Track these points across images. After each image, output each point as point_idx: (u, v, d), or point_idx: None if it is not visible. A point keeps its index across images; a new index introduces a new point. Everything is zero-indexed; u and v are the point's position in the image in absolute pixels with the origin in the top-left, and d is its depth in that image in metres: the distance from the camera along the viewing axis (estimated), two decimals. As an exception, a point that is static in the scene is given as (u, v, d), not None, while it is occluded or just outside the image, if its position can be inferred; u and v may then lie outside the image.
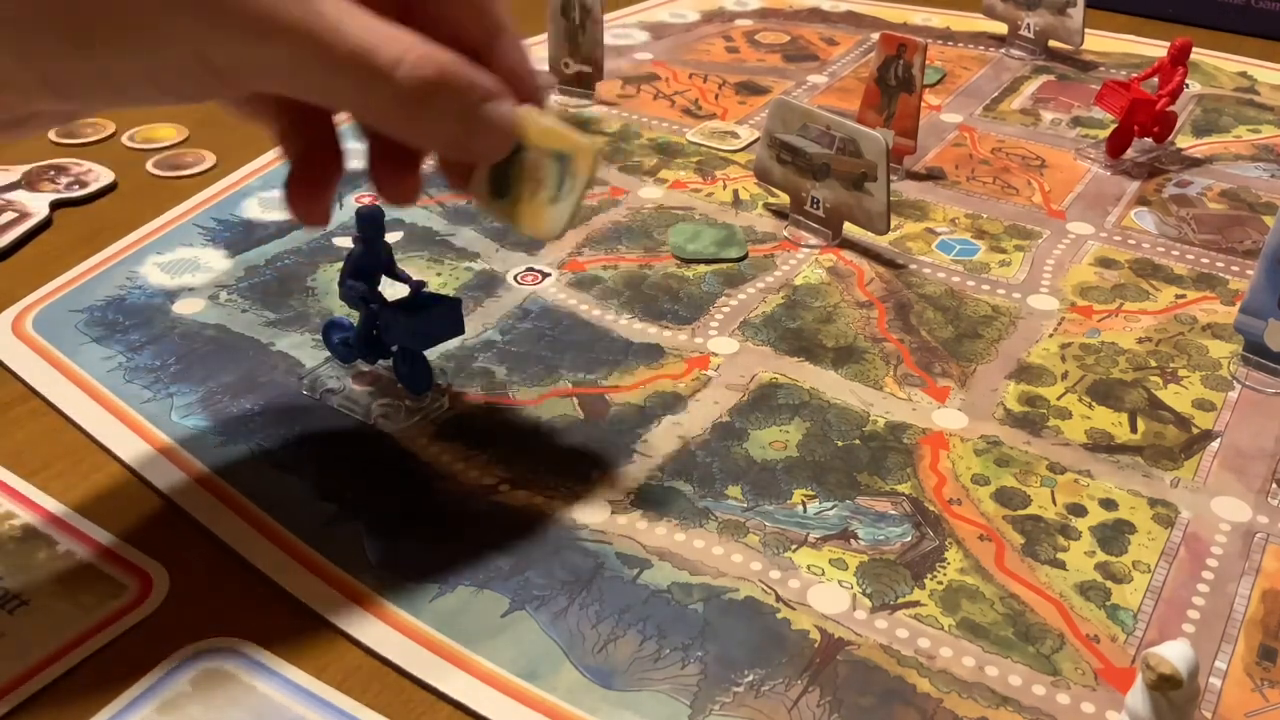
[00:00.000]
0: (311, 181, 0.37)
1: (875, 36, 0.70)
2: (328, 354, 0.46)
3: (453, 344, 0.46)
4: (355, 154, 0.37)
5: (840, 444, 0.42)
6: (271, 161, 0.63)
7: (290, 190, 0.36)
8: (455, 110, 0.32)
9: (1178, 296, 0.51)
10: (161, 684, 0.33)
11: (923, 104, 0.60)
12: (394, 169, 0.36)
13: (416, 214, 0.57)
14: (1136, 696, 0.28)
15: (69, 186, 0.60)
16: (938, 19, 0.84)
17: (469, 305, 0.50)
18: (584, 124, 0.67)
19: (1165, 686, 0.27)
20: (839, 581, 0.36)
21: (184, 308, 0.50)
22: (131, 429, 0.43)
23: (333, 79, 0.30)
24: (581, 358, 0.47)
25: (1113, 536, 0.38)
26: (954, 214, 0.58)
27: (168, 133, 0.67)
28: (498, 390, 0.45)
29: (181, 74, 0.29)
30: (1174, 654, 0.27)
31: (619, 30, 0.81)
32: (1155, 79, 0.62)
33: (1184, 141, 0.66)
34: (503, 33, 0.35)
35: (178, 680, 0.33)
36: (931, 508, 0.39)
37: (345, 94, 0.31)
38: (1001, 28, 0.79)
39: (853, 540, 0.38)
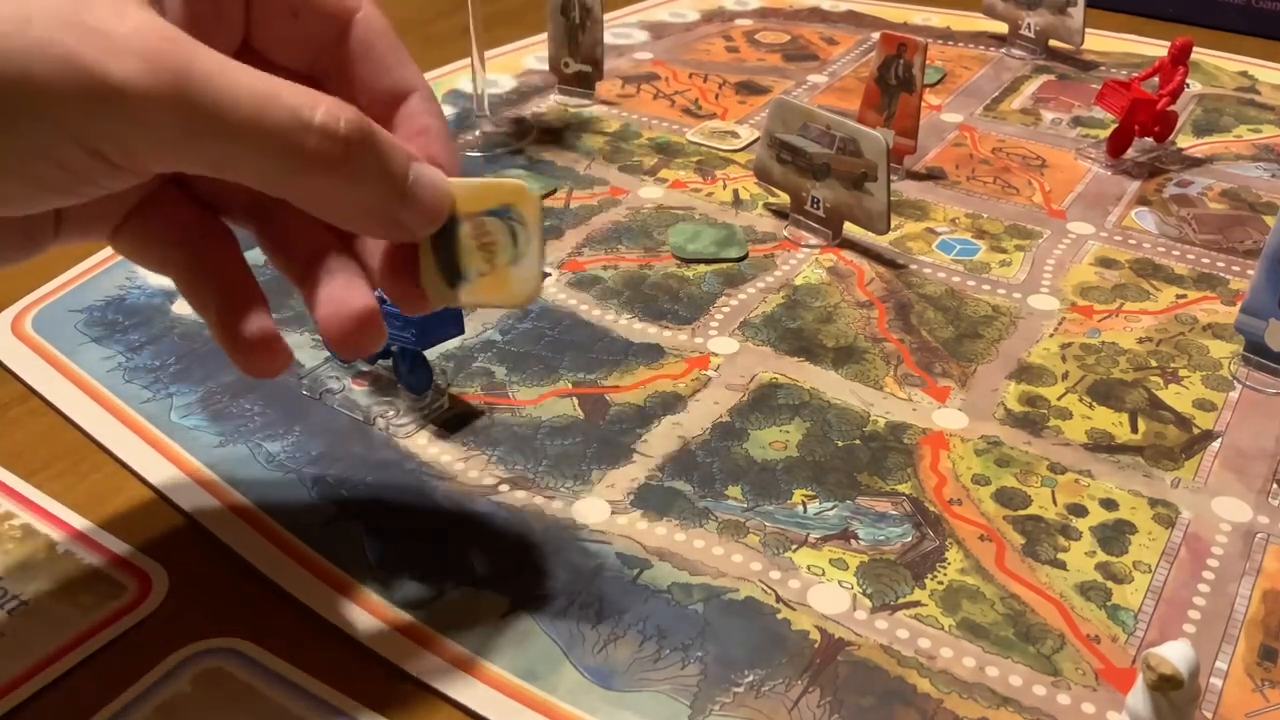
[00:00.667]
0: (246, 325, 0.31)
1: (875, 36, 0.70)
2: (327, 354, 0.46)
3: (453, 344, 0.46)
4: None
5: (840, 444, 0.42)
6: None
7: (234, 345, 0.31)
8: (382, 173, 0.28)
9: (1178, 296, 0.51)
10: (161, 684, 0.33)
11: (923, 104, 0.59)
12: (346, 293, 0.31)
13: (416, 214, 0.57)
14: (1137, 697, 0.28)
15: (69, 186, 0.60)
16: (938, 18, 0.84)
17: (469, 305, 0.50)
18: (584, 123, 0.67)
19: (1166, 687, 0.27)
20: (839, 582, 0.36)
21: (183, 308, 0.50)
22: (131, 429, 0.43)
23: (232, 141, 0.26)
24: (581, 358, 0.47)
25: (1113, 537, 0.38)
26: (954, 214, 0.58)
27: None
28: (498, 390, 0.45)
29: (62, 164, 0.25)
30: (1175, 654, 0.27)
31: (619, 30, 0.81)
32: (1156, 79, 0.62)
33: (1184, 141, 0.66)
34: (414, 91, 0.32)
35: (178, 680, 0.33)
36: (932, 508, 0.39)
37: (251, 161, 0.26)
38: (1002, 27, 0.79)
39: (853, 540, 0.38)
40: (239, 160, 0.26)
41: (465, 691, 0.33)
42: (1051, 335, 0.49)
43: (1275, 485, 0.41)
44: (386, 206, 0.28)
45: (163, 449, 0.42)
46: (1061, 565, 0.37)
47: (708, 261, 0.54)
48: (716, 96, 0.71)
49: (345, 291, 0.30)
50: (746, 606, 0.35)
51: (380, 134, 0.28)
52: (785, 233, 0.56)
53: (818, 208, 0.55)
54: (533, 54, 0.77)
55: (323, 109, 0.26)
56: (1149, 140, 0.64)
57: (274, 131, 0.26)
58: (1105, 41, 0.79)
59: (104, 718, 0.32)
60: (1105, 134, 0.64)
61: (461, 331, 0.43)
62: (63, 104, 0.24)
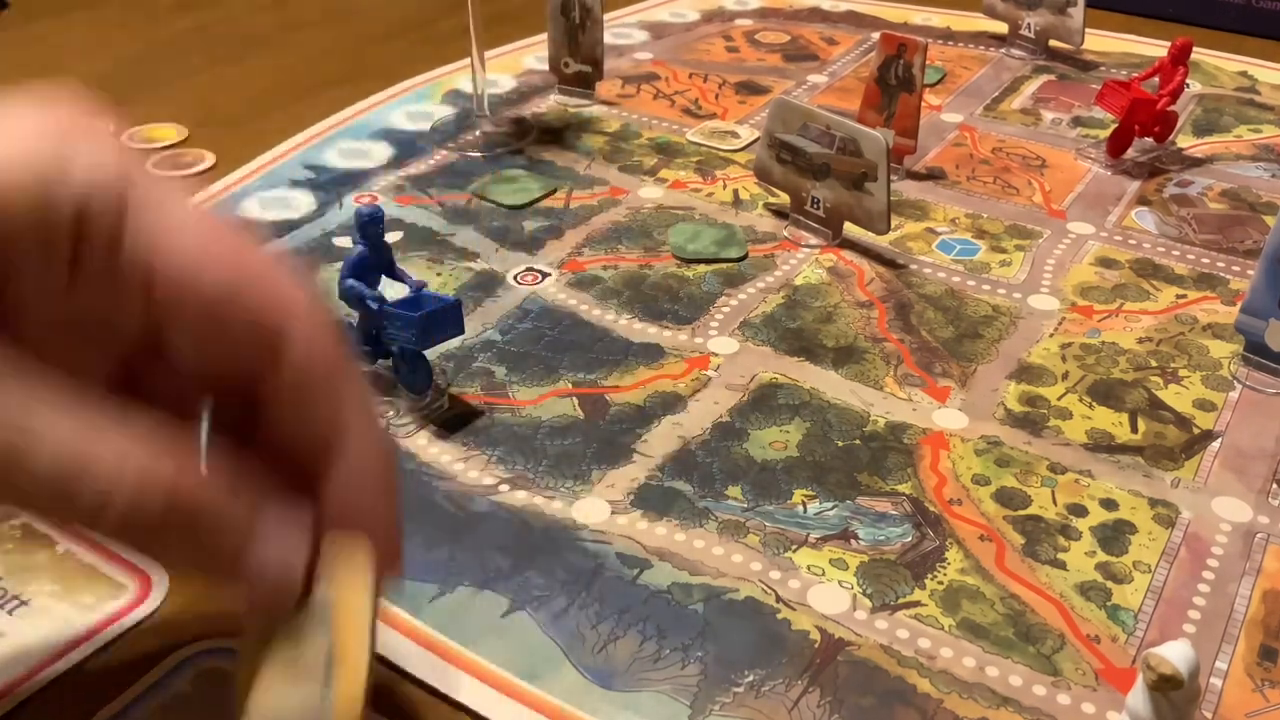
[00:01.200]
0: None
1: (875, 36, 0.70)
2: (328, 354, 0.46)
3: (453, 344, 0.46)
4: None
5: (840, 444, 0.42)
6: (271, 161, 0.63)
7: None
8: (200, 548, 0.24)
9: (1178, 296, 0.51)
10: (162, 684, 0.33)
11: (923, 104, 0.59)
12: None
13: (416, 214, 0.57)
14: (1137, 697, 0.28)
15: (69, 186, 0.60)
16: (938, 18, 0.84)
17: (469, 305, 0.50)
18: (584, 123, 0.67)
19: (1166, 687, 0.27)
20: (839, 582, 0.36)
21: (184, 308, 0.50)
22: (131, 429, 0.43)
23: (29, 501, 0.23)
24: (581, 358, 0.47)
25: (1113, 537, 0.38)
26: (954, 214, 0.58)
27: (167, 133, 0.67)
28: (498, 390, 0.45)
29: None
30: (1175, 654, 0.27)
31: (619, 30, 0.81)
32: (1156, 79, 0.62)
33: (1184, 141, 0.66)
34: (342, 438, 0.26)
35: (178, 680, 0.33)
36: (932, 508, 0.39)
37: (54, 515, 0.23)
38: (1002, 27, 0.79)
39: (853, 540, 0.38)
40: (41, 513, 0.23)
41: (465, 691, 0.33)
42: (1051, 335, 0.49)
43: (1275, 485, 0.41)
44: (212, 575, 0.25)
45: (163, 449, 0.42)
46: (1061, 565, 0.37)
47: (708, 261, 0.54)
48: (716, 96, 0.71)
49: None
50: (746, 606, 0.35)
51: (206, 510, 0.23)
52: (785, 233, 0.56)
53: (818, 208, 0.55)
54: (533, 54, 0.77)
55: (132, 481, 0.22)
56: (1149, 140, 0.64)
57: (78, 502, 0.22)
58: (1105, 41, 0.79)
59: (105, 717, 0.32)
60: (1105, 134, 0.64)
61: (461, 331, 0.43)
62: None
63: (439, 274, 0.52)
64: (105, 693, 0.32)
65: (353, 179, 0.61)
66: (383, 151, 0.64)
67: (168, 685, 0.33)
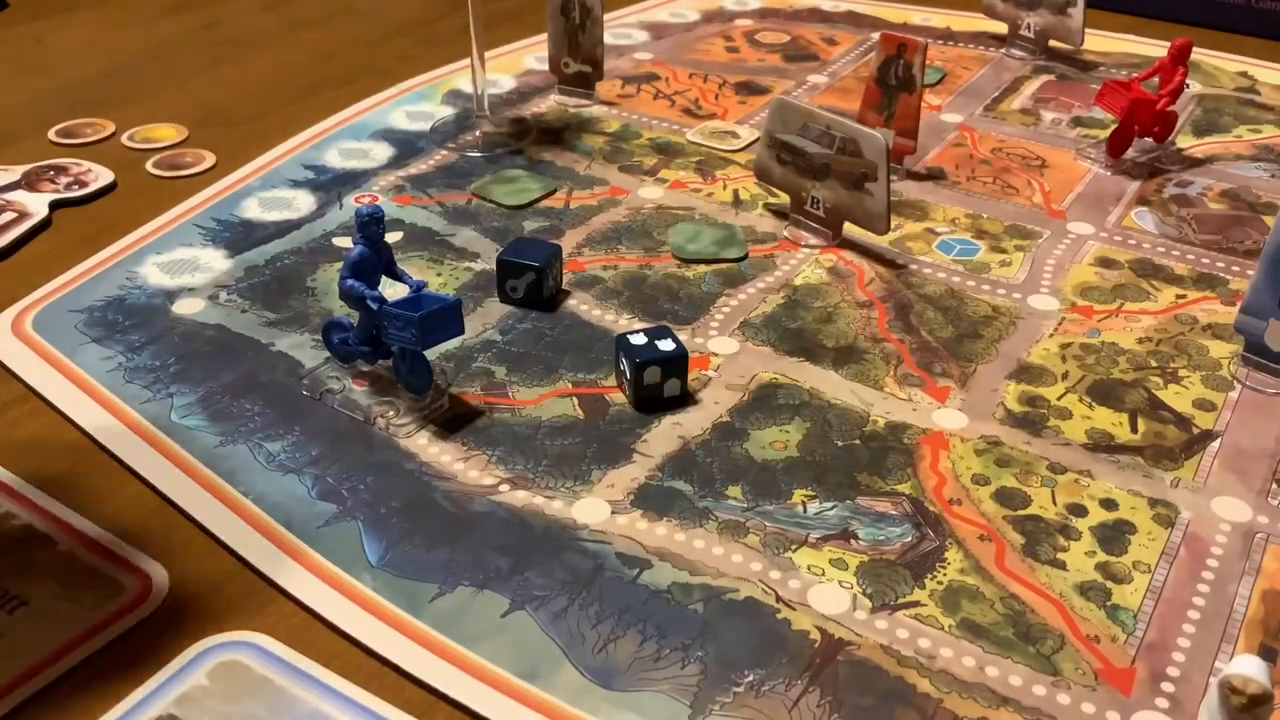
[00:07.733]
0: None
1: (875, 36, 0.70)
2: (328, 354, 0.46)
3: (453, 344, 0.46)
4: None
5: (840, 444, 0.42)
6: (271, 161, 0.63)
7: None
8: None
9: (1178, 296, 0.51)
10: (179, 676, 0.33)
11: (923, 104, 0.59)
12: None
13: (416, 214, 0.57)
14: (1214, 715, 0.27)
15: (69, 187, 0.60)
16: (938, 19, 0.84)
17: (469, 305, 0.50)
18: (584, 123, 0.67)
19: (1258, 708, 0.26)
20: (839, 582, 0.36)
21: (184, 308, 0.50)
22: (131, 429, 0.43)
23: None
24: (581, 358, 0.47)
25: (1113, 537, 0.38)
26: (954, 214, 0.58)
27: (168, 133, 0.67)
28: (498, 390, 0.45)
29: None
30: (1254, 671, 0.26)
31: (619, 30, 0.81)
32: (1156, 79, 0.62)
33: (1184, 141, 0.66)
34: None
35: (194, 672, 0.33)
36: (932, 508, 0.39)
37: None
38: (1002, 27, 0.79)
39: (853, 540, 0.38)
40: None
41: (465, 691, 0.33)
42: (1051, 335, 0.49)
43: (1275, 485, 0.41)
44: None
45: (163, 449, 0.42)
46: (1061, 565, 0.37)
47: (708, 262, 0.54)
48: (716, 96, 0.71)
49: None
50: (746, 606, 0.35)
51: None
52: (785, 233, 0.56)
53: (818, 208, 0.55)
54: (533, 54, 0.77)
55: None
56: (1149, 140, 0.64)
57: None
58: (1105, 41, 0.79)
59: (126, 706, 0.32)
60: (1105, 134, 0.64)
61: (462, 331, 0.43)
62: None
63: (439, 274, 0.52)
64: (105, 693, 0.32)
65: (353, 179, 0.61)
66: (383, 151, 0.64)
67: (185, 678, 0.33)
